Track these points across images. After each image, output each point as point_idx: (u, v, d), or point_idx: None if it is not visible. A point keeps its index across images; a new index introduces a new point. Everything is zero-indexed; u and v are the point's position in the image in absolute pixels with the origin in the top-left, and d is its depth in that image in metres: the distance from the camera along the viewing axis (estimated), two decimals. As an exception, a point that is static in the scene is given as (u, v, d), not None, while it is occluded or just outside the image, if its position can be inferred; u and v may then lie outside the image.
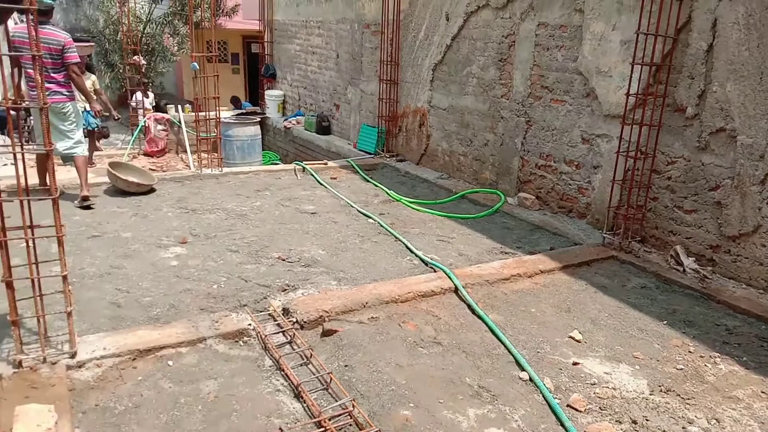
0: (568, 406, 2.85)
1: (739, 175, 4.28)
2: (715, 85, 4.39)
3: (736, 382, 3.12)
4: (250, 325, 3.37)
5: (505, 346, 3.36)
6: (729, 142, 4.34)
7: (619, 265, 4.69)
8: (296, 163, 7.72)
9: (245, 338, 3.30)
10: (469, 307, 3.82)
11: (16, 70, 5.30)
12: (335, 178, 7.31)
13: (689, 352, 3.41)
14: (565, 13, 5.58)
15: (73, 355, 2.92)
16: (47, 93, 5.09)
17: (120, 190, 6.10)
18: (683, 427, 2.71)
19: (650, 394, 2.98)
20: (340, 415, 2.68)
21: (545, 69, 5.87)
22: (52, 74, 5.37)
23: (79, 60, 5.57)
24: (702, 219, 4.59)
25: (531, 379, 3.05)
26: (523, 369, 3.14)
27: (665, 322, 3.76)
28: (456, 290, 4.02)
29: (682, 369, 3.22)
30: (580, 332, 3.57)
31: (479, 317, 3.69)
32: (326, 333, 3.39)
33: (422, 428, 2.63)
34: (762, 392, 3.04)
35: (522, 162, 6.30)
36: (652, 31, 4.60)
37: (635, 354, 3.36)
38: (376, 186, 6.98)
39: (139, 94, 12.09)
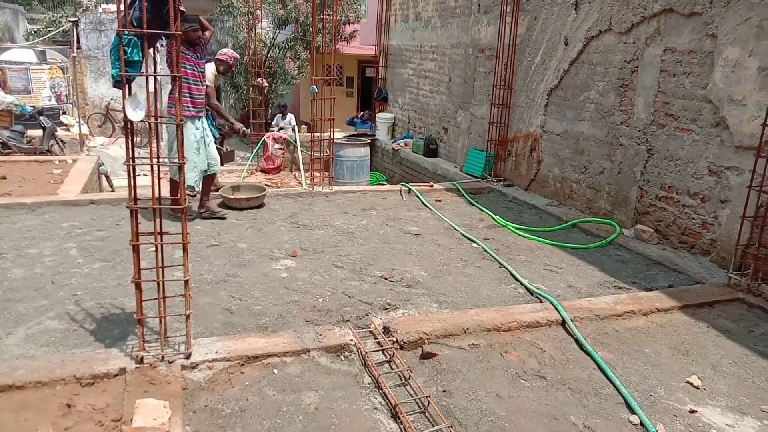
0: (683, 458, 2.64)
1: None
2: None
3: None
4: (351, 340, 3.42)
5: (615, 386, 3.16)
6: None
7: (747, 308, 4.29)
8: (402, 185, 7.81)
9: (346, 353, 3.35)
10: (577, 342, 3.65)
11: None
12: (440, 201, 7.31)
13: (831, 412, 3.04)
14: (696, 38, 5.27)
15: (188, 356, 3.10)
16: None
17: (235, 207, 6.45)
18: (822, 498, 2.41)
19: (782, 456, 2.68)
20: (436, 440, 2.64)
21: (670, 96, 5.56)
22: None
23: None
24: None
25: (642, 424, 2.85)
26: (633, 412, 2.94)
27: (802, 376, 3.38)
28: (563, 323, 3.85)
29: (821, 431, 2.88)
30: (699, 378, 3.29)
31: (587, 353, 3.50)
32: (425, 356, 3.37)
33: (521, 464, 2.54)
34: None
35: (641, 192, 5.97)
36: (795, 57, 4.22)
37: (764, 408, 3.05)
38: (482, 210, 6.90)
39: (279, 118, 13.04)
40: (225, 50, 7.41)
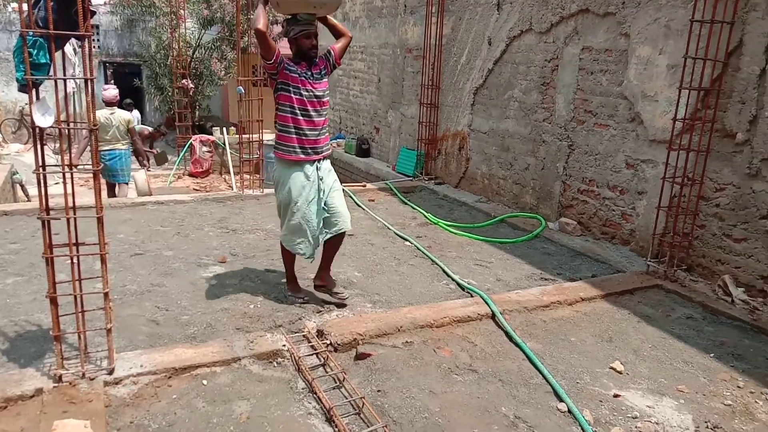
0: (608, 440, 2.74)
1: (794, 204, 4.10)
2: (768, 110, 4.24)
3: (790, 423, 2.95)
4: (284, 346, 3.37)
5: (543, 376, 3.26)
6: (782, 169, 4.17)
7: (664, 294, 4.52)
8: (336, 185, 7.76)
9: (279, 359, 3.30)
10: (507, 334, 3.73)
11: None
12: (373, 200, 7.32)
13: (738, 387, 3.24)
14: (611, 37, 5.50)
15: (110, 372, 2.97)
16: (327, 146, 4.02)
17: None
18: (733, 469, 2.57)
19: (696, 431, 2.83)
20: (371, 441, 2.64)
21: (589, 93, 5.79)
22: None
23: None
24: (752, 248, 4.40)
25: (570, 411, 2.94)
26: (561, 400, 3.04)
27: (712, 354, 3.59)
28: (493, 316, 3.94)
29: (730, 405, 3.06)
30: (621, 363, 3.43)
31: (517, 345, 3.59)
32: (360, 356, 3.36)
33: (455, 458, 2.57)
34: (819, 434, 2.86)
35: (564, 187, 6.19)
36: (700, 56, 4.48)
37: (680, 387, 3.22)
38: (414, 209, 6.96)
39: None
40: (107, 90, 7.40)
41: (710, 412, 2.99)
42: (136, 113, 13.32)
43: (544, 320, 3.98)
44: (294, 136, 3.84)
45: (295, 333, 3.59)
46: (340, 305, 4.02)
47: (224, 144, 10.40)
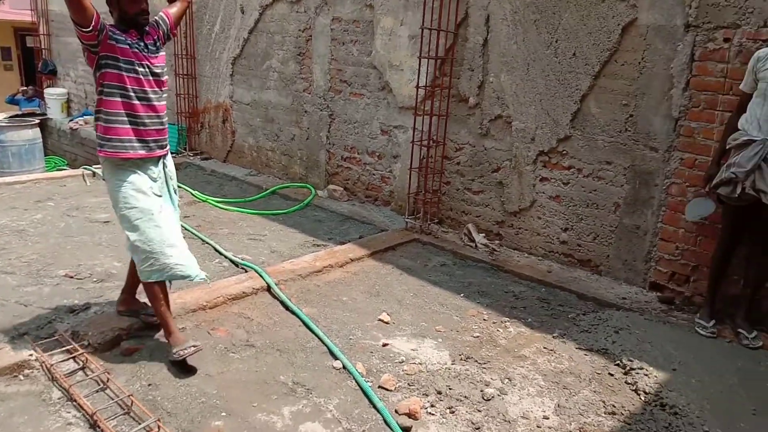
0: (379, 387, 2.96)
1: (516, 157, 4.79)
2: (492, 76, 4.84)
3: (523, 342, 3.49)
4: (31, 355, 2.97)
5: (319, 338, 3.38)
6: (506, 128, 4.83)
7: (421, 246, 4.99)
8: (85, 168, 7.00)
9: (26, 371, 2.90)
10: (283, 303, 3.79)
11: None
12: (133, 182, 6.76)
13: (484, 320, 3.74)
14: (357, 8, 5.74)
15: None
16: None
17: None
18: (481, 390, 2.96)
19: (452, 364, 3.20)
20: (144, 438, 2.48)
21: (342, 63, 6.00)
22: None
23: None
24: (488, 198, 5.05)
25: (344, 367, 3.11)
26: (336, 358, 3.19)
27: (462, 294, 4.08)
28: (269, 288, 3.95)
29: (478, 336, 3.52)
30: (388, 314, 3.72)
31: (293, 313, 3.67)
32: (125, 352, 3.13)
33: (235, 436, 2.55)
34: (544, 348, 3.44)
35: (329, 155, 6.40)
36: (435, 27, 4.92)
37: (437, 328, 3.60)
38: (180, 187, 6.57)
39: None
40: None
41: (463, 346, 3.41)
42: None
43: (318, 285, 4.11)
44: (128, 126, 2.99)
45: (45, 339, 3.18)
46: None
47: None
